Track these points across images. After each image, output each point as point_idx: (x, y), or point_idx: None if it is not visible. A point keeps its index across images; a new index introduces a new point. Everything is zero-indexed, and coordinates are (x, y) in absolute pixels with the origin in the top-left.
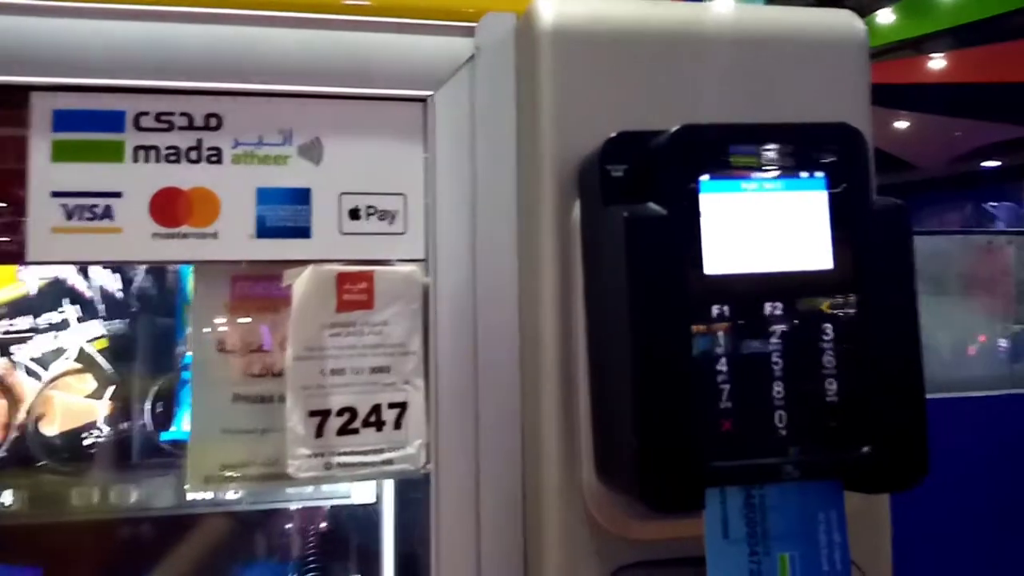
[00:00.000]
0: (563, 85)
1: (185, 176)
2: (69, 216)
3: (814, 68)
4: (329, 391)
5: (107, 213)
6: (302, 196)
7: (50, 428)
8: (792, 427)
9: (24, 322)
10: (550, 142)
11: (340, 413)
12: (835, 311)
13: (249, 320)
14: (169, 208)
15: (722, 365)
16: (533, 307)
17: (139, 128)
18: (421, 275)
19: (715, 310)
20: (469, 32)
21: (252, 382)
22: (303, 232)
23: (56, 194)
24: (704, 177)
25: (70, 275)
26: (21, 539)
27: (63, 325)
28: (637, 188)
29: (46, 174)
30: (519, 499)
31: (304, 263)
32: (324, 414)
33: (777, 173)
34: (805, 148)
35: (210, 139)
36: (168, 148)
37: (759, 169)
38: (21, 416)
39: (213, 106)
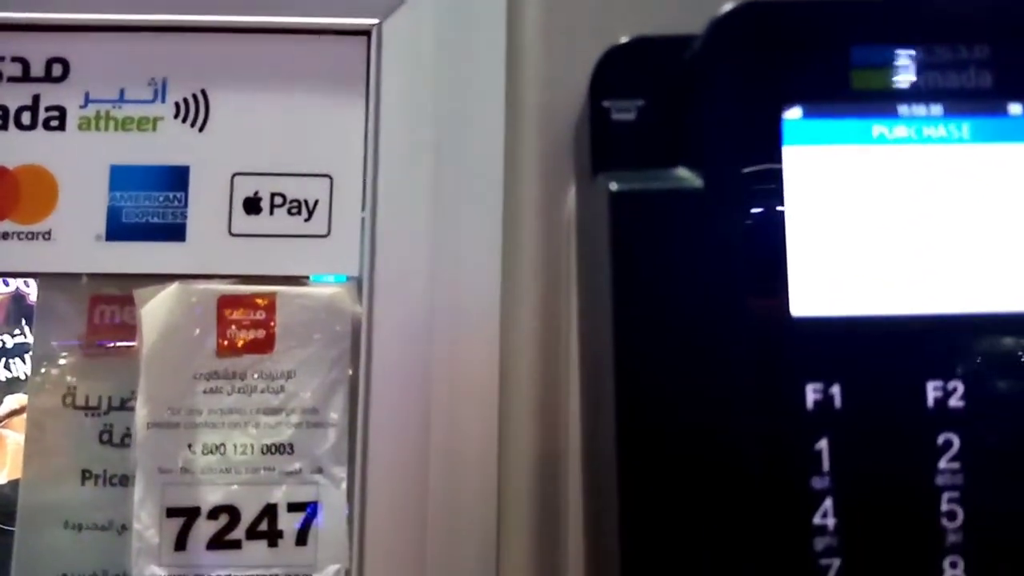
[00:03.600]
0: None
1: (12, 149)
2: None
3: None
4: (199, 479)
5: None
6: (176, 177)
7: None
8: None
9: None
10: (538, 82)
11: (214, 515)
12: None
13: (113, 361)
14: None
15: (824, 515)
16: (515, 359)
17: None
18: (351, 301)
19: (812, 395)
20: None
21: (112, 454)
22: (175, 232)
23: None
24: (791, 113)
25: (32, 290)
26: None
27: (20, 350)
28: (659, 142)
29: None
30: None
31: (173, 278)
32: (190, 514)
33: (955, 104)
34: (1021, 52)
35: (51, 95)
36: None
37: (915, 96)
38: None
39: (57, 47)
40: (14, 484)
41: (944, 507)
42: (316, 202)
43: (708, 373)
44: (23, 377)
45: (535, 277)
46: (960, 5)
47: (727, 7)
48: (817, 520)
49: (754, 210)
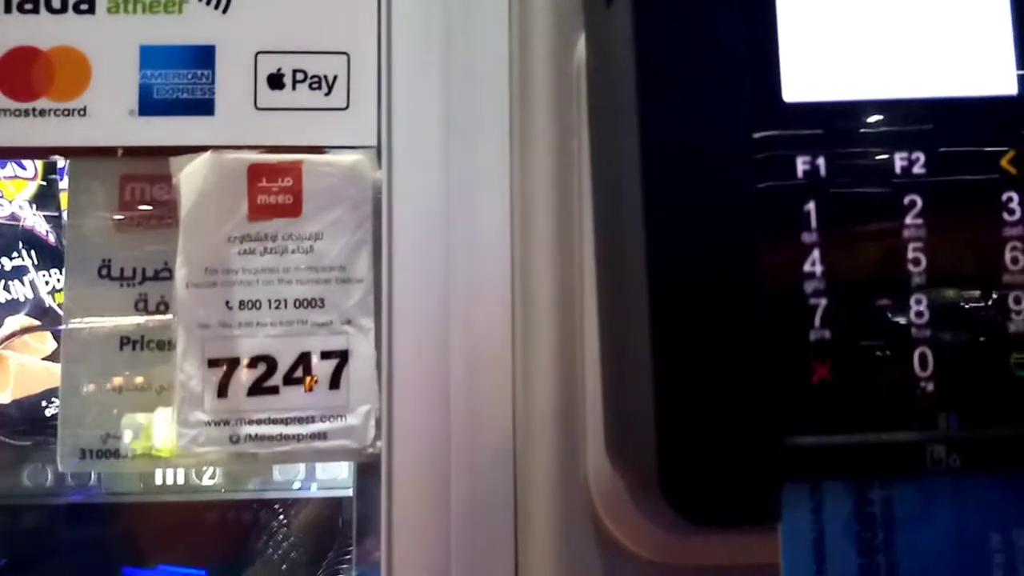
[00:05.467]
0: None
1: (45, 31)
2: None
3: None
4: (237, 333)
5: None
6: (203, 56)
7: (2, 395)
8: (945, 377)
9: None
10: None
11: (252, 364)
12: None
13: (145, 235)
14: (21, 75)
15: (813, 263)
16: (528, 209)
17: None
18: (371, 168)
19: (801, 166)
20: None
21: (147, 321)
22: (204, 107)
23: None
24: None
25: (27, 214)
26: None
27: (18, 273)
28: None
29: None
30: (509, 496)
31: (204, 149)
32: (230, 364)
33: None
34: None
35: None
36: None
37: None
38: None
39: None
40: (18, 403)
41: (910, 254)
42: (335, 77)
43: (722, 152)
44: (22, 299)
45: (546, 127)
46: None
47: None
48: (807, 267)
49: (753, 12)
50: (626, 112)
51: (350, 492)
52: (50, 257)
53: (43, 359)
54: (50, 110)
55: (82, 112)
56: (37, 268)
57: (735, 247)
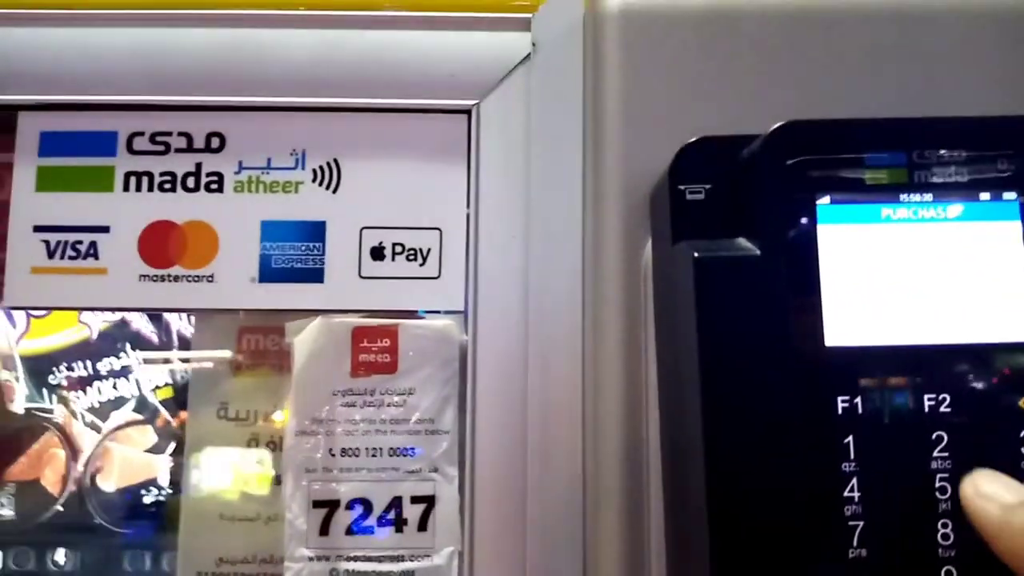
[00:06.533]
0: (635, 82)
1: (180, 208)
2: (51, 254)
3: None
4: (338, 477)
5: (92, 251)
6: (316, 231)
7: (108, 483)
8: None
9: (83, 368)
10: (617, 158)
11: (351, 505)
12: None
13: (258, 380)
14: (160, 245)
15: (851, 490)
16: (598, 378)
17: (132, 151)
18: (458, 331)
19: (841, 404)
20: (524, 25)
21: (260, 457)
22: (315, 275)
23: (38, 228)
24: (823, 200)
25: (135, 317)
26: None
27: (124, 372)
28: (722, 218)
29: (29, 206)
30: None
31: (315, 313)
32: (331, 505)
33: (941, 194)
34: (986, 155)
35: (211, 162)
36: (163, 174)
37: (911, 188)
38: (79, 469)
39: (215, 123)
40: (121, 491)
41: (937, 484)
42: (429, 250)
43: (770, 391)
44: (128, 396)
45: (614, 312)
46: (942, 123)
47: (777, 125)
48: (846, 494)
49: (797, 270)
50: (686, 347)
51: None
52: (153, 357)
53: (144, 451)
54: (183, 276)
55: (210, 279)
56: (141, 366)
57: (782, 474)
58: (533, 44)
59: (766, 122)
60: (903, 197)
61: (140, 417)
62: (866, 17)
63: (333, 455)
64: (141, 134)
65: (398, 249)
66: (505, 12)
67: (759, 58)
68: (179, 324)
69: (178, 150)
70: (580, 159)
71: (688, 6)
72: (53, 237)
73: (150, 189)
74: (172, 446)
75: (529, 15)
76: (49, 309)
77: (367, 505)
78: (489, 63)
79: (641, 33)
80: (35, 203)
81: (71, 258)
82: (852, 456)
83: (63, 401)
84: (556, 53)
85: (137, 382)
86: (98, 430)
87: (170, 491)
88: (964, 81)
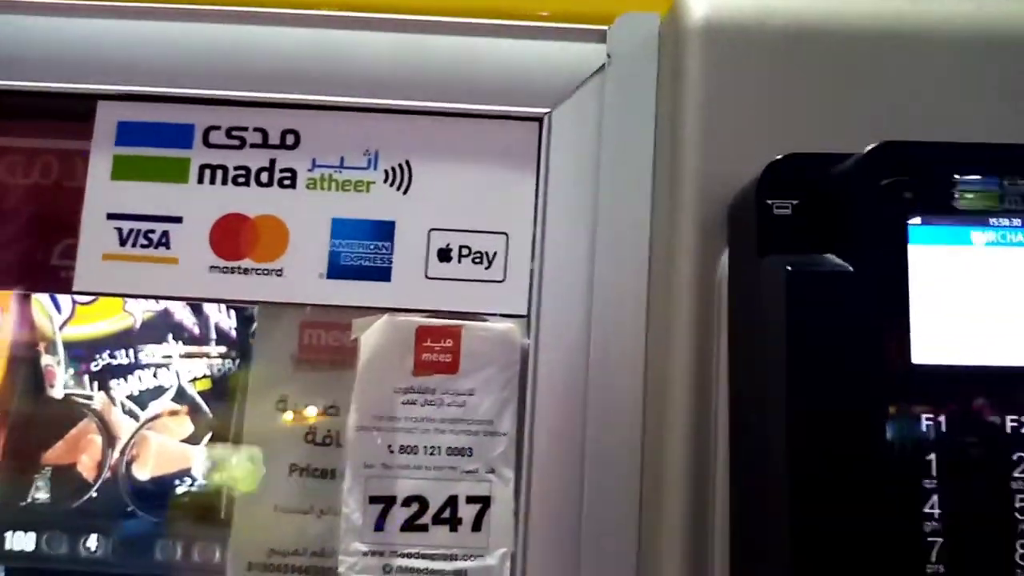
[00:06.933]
0: (715, 96)
1: (253, 201)
2: (123, 242)
3: None
4: (396, 473)
5: (164, 240)
6: (385, 230)
7: (143, 472)
8: None
9: (125, 356)
10: (694, 170)
11: (407, 503)
12: None
13: (318, 375)
14: (231, 238)
15: (932, 506)
16: (662, 387)
17: (208, 145)
18: (520, 335)
19: (925, 421)
20: (599, 36)
21: (314, 451)
22: (383, 274)
23: (112, 216)
24: (915, 221)
25: (177, 308)
26: None
27: (165, 362)
28: (811, 234)
29: (103, 193)
30: None
31: (380, 311)
32: (388, 501)
33: None
34: None
35: (285, 159)
36: (237, 168)
37: (1003, 213)
38: (115, 456)
39: (291, 121)
40: (156, 480)
41: (1017, 503)
42: (495, 254)
43: (858, 406)
44: (167, 385)
45: (683, 321)
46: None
47: (872, 145)
48: (926, 510)
49: (887, 288)
50: (773, 359)
51: None
52: (194, 348)
53: (181, 440)
54: (252, 269)
55: (279, 272)
56: (182, 357)
57: (867, 491)
58: (608, 55)
59: (847, 143)
60: (993, 221)
61: (178, 407)
62: (954, 38)
63: (392, 452)
64: (217, 128)
65: (464, 252)
66: (581, 23)
67: (842, 77)
68: (218, 316)
69: (253, 145)
70: (650, 170)
71: (771, 23)
72: (126, 225)
73: (224, 182)
74: (208, 436)
75: (605, 27)
76: (118, 296)
77: (423, 503)
78: (563, 72)
79: (722, 47)
80: (110, 191)
81: (143, 246)
82: (934, 473)
83: (103, 388)
84: (631, 65)
85: (177, 373)
86: (136, 418)
87: (203, 482)
88: None
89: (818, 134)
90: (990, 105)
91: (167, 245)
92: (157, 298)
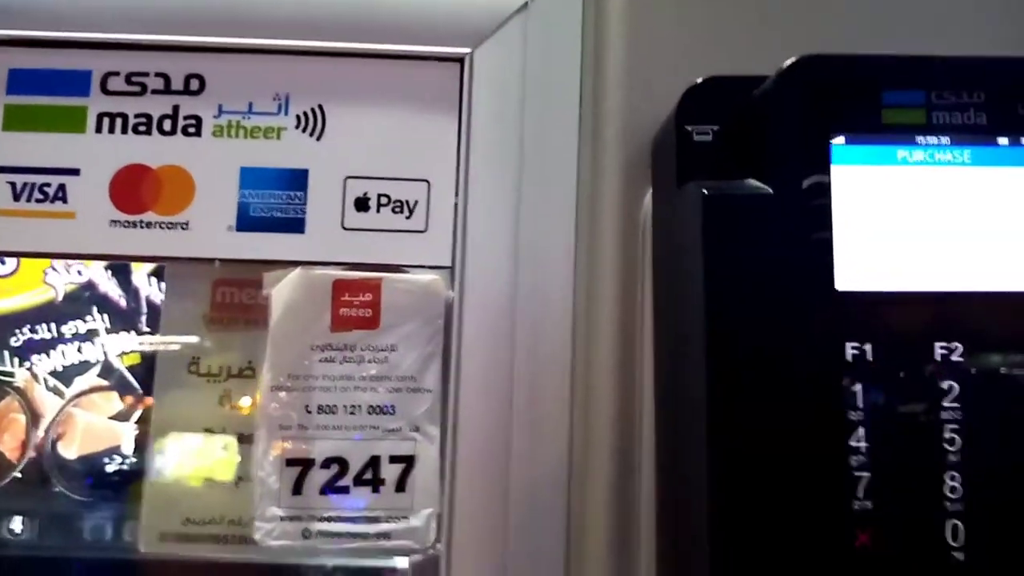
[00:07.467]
0: (639, 31)
1: (155, 151)
2: (16, 196)
3: None
4: (313, 434)
5: (60, 194)
6: (297, 179)
7: (69, 450)
8: (975, 548)
9: (47, 331)
10: (619, 108)
11: (326, 464)
12: None
13: (232, 336)
14: (132, 190)
15: (858, 440)
16: (589, 336)
17: (106, 92)
18: (444, 287)
19: (850, 350)
20: None
21: (230, 415)
22: (295, 225)
23: (4, 169)
24: (837, 140)
25: (102, 280)
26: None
27: (90, 336)
28: (733, 160)
29: None
30: None
31: (294, 264)
32: (305, 464)
33: (958, 136)
34: (1007, 98)
35: (189, 105)
36: (138, 116)
37: (928, 130)
38: (39, 435)
39: (195, 64)
40: (83, 459)
41: (946, 434)
42: (416, 202)
43: (778, 336)
44: (93, 360)
45: (609, 265)
46: (962, 61)
47: (791, 60)
48: (852, 443)
49: (810, 212)
50: (692, 292)
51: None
52: (121, 321)
53: (109, 418)
54: (156, 223)
55: (184, 226)
56: (108, 331)
57: (788, 422)
58: None
59: (772, 67)
60: (920, 139)
61: (105, 383)
62: None
63: (309, 412)
64: (116, 74)
65: (383, 200)
66: None
67: (765, 2)
68: (149, 290)
69: (155, 91)
70: (576, 111)
71: None
72: (19, 179)
73: (124, 131)
74: (138, 413)
75: None
76: (12, 255)
77: (343, 464)
78: (485, 10)
79: None
80: (2, 142)
81: (38, 201)
82: (860, 404)
83: (24, 364)
84: (555, 1)
85: (103, 347)
86: (61, 395)
87: (134, 459)
88: (982, 19)
89: (745, 65)
90: (915, 20)
91: (64, 199)
92: (52, 256)
